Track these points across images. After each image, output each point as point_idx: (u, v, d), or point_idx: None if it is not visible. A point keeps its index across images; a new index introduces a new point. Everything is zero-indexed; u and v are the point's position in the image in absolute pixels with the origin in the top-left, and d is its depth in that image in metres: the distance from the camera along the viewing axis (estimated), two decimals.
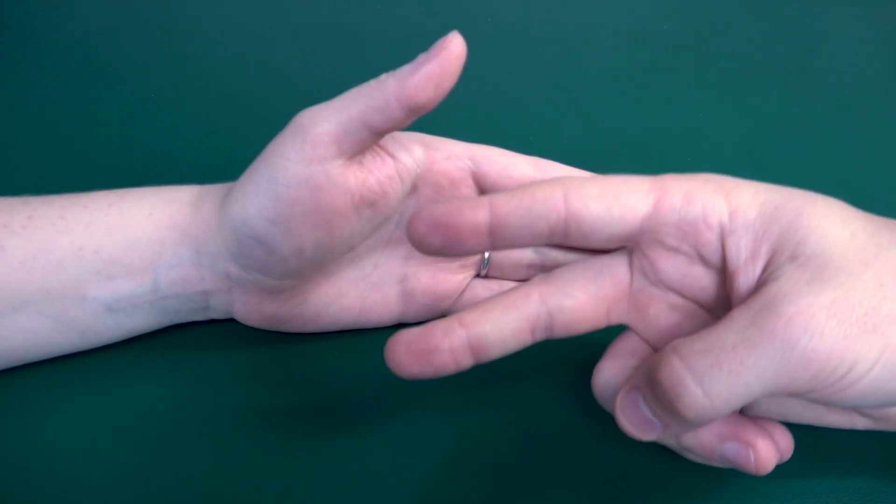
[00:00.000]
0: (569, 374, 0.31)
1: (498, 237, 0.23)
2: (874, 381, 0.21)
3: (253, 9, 0.55)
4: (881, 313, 0.20)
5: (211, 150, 0.42)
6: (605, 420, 0.29)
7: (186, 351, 0.31)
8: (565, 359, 0.32)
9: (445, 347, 0.23)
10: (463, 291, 0.32)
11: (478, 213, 0.22)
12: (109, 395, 0.30)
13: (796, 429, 0.25)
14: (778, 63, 0.49)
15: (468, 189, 0.29)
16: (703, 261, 0.24)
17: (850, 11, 0.56)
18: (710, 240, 0.23)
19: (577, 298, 0.25)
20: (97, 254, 0.28)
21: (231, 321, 0.31)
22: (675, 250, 0.24)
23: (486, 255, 0.32)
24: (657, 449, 0.27)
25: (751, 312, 0.21)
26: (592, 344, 0.33)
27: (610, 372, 0.25)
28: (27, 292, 0.27)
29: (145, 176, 0.33)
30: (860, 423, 0.27)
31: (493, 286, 0.33)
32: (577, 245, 0.24)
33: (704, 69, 0.49)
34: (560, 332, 0.25)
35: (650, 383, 0.22)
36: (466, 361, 0.24)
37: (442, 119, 0.34)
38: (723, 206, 0.23)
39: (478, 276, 0.33)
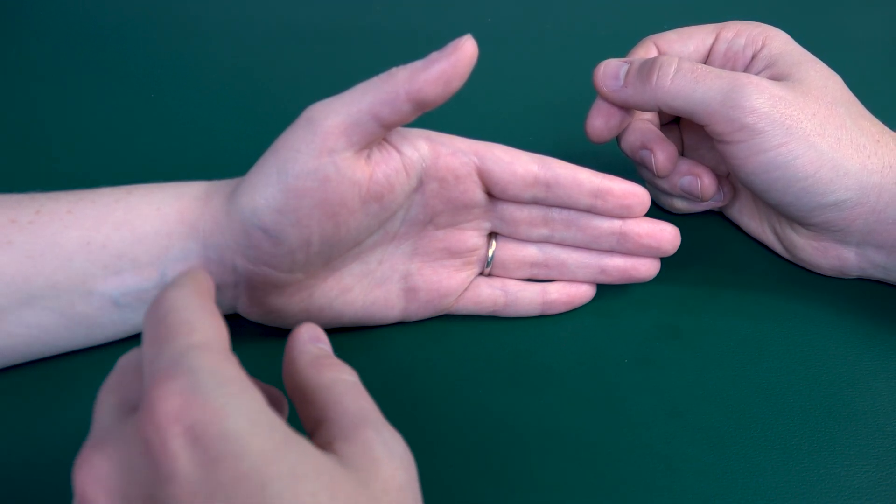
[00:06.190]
0: (570, 375, 0.31)
1: None
2: (773, 160, 0.30)
3: (257, 9, 0.55)
4: (800, 122, 0.30)
5: (217, 150, 0.42)
6: (603, 423, 0.30)
7: None
8: (567, 360, 0.32)
9: None
10: (466, 289, 0.32)
11: None
12: None
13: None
14: None
15: (473, 184, 0.30)
16: None
17: (851, 11, 0.56)
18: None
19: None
20: (105, 248, 0.28)
21: (235, 316, 0.31)
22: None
23: (490, 253, 0.32)
24: (657, 449, 0.28)
25: (728, 73, 0.31)
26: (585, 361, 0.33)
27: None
28: (34, 287, 0.27)
29: (151, 175, 0.33)
30: (777, 245, 0.36)
31: (497, 284, 0.33)
32: None
33: None
34: None
35: (642, 63, 0.32)
36: None
37: (443, 117, 0.34)
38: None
39: (481, 274, 0.33)
